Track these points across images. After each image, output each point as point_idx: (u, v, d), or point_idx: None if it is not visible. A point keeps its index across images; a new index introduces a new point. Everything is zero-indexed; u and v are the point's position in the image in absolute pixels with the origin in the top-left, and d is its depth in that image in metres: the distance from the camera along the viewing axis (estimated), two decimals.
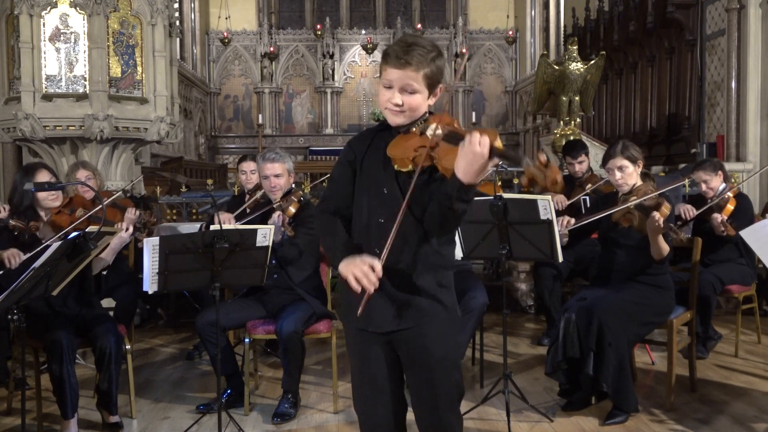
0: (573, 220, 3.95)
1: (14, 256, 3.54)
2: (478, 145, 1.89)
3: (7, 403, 4.01)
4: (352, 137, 2.29)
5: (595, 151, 7.47)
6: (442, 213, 2.03)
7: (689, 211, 4.85)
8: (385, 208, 2.12)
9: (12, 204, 3.80)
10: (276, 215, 3.85)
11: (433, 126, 2.06)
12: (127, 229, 3.97)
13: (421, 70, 2.08)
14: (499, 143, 1.91)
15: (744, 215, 4.79)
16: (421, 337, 2.17)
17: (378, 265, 1.99)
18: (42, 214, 3.82)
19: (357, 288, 1.99)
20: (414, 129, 2.12)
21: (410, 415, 2.30)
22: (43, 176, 3.76)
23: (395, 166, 2.10)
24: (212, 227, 3.43)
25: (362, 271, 1.98)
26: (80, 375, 3.98)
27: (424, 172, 2.06)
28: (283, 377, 3.91)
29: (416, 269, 2.14)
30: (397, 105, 2.10)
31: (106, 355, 3.57)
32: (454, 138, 2.00)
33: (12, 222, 3.69)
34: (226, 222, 4.12)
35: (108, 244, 3.82)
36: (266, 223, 3.80)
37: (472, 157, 1.90)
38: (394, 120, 2.13)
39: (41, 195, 3.75)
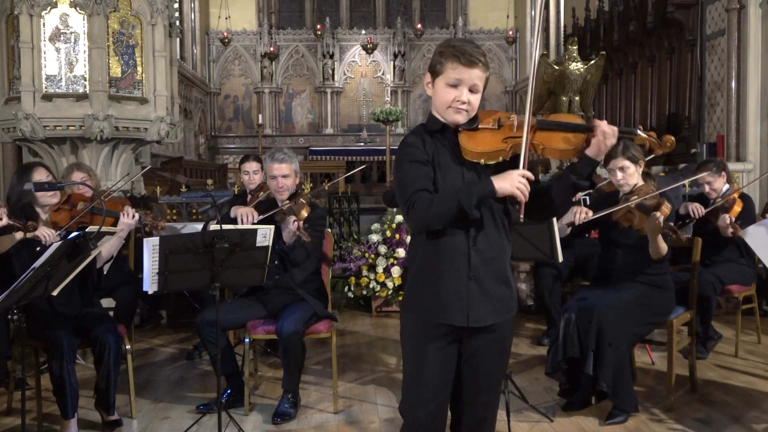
0: (591, 213, 3.86)
1: (48, 235, 3.57)
2: (613, 136, 2.07)
3: (7, 403, 4.01)
4: (410, 138, 2.21)
5: None
6: (572, 194, 2.18)
7: (698, 209, 4.80)
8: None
9: (9, 203, 3.78)
10: (291, 221, 3.81)
11: (515, 118, 2.15)
12: (133, 216, 3.93)
13: (487, 70, 2.16)
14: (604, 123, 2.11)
15: (749, 214, 4.78)
16: (504, 328, 2.27)
17: (530, 174, 2.08)
18: (40, 212, 3.82)
19: (521, 197, 2.06)
20: (483, 125, 2.17)
21: None
22: (40, 174, 3.76)
23: (481, 161, 2.13)
24: (221, 226, 3.38)
25: (523, 183, 2.06)
26: (80, 375, 3.98)
27: (514, 162, 2.12)
28: (283, 377, 3.91)
29: (503, 260, 2.23)
30: (463, 103, 2.13)
31: (105, 355, 3.57)
32: (555, 126, 2.14)
33: (10, 221, 3.69)
34: (249, 215, 4.12)
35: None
36: (271, 224, 3.79)
37: (609, 142, 2.07)
38: (456, 119, 2.16)
39: (40, 193, 3.74)
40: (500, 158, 2.13)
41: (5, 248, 3.60)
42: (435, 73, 2.17)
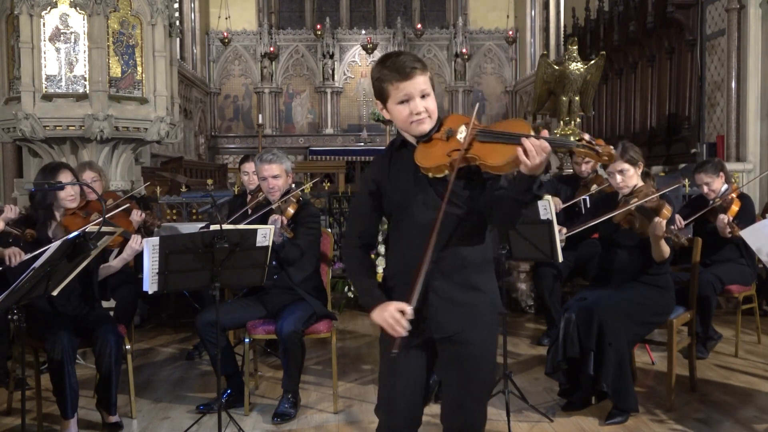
0: (564, 230, 3.94)
1: (15, 255, 3.55)
2: (540, 152, 1.92)
3: (7, 403, 4.01)
4: (370, 168, 2.30)
5: None
6: (518, 208, 2.08)
7: (678, 221, 4.80)
8: (431, 217, 2.12)
9: (32, 201, 3.82)
10: (274, 217, 3.84)
11: (462, 129, 2.08)
12: (140, 243, 3.93)
13: (426, 72, 2.14)
14: (544, 134, 1.97)
15: (748, 214, 4.78)
16: (475, 336, 2.21)
17: (408, 309, 2.05)
18: (57, 214, 3.83)
19: (393, 333, 2.06)
20: (436, 135, 2.13)
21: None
22: (66, 177, 3.77)
23: (429, 174, 2.11)
24: (221, 226, 3.40)
25: (394, 318, 2.05)
26: (80, 375, 3.98)
27: (461, 174, 2.08)
28: (283, 377, 3.91)
29: (471, 268, 2.19)
30: (420, 113, 2.11)
31: (105, 355, 3.57)
32: (493, 137, 2.03)
33: (8, 228, 3.70)
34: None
35: (111, 248, 3.83)
36: (267, 224, 3.79)
37: (539, 158, 1.93)
38: (422, 128, 2.13)
39: (61, 194, 3.76)
40: (446, 172, 2.08)
41: None
42: (383, 99, 2.16)
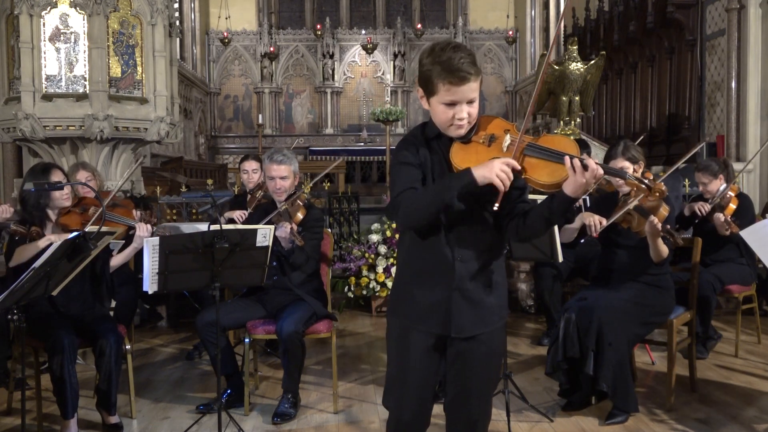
0: (605, 221, 3.82)
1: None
2: (593, 177, 1.91)
3: (7, 403, 4.01)
4: (405, 140, 2.20)
5: (596, 151, 7.46)
6: (545, 227, 2.08)
7: (703, 207, 4.84)
8: (456, 216, 2.10)
9: (25, 204, 3.75)
10: (285, 226, 3.82)
11: (507, 138, 2.06)
12: (147, 230, 3.92)
13: (479, 76, 2.10)
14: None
15: (746, 214, 4.78)
16: (491, 337, 2.23)
17: (517, 165, 1.98)
18: (51, 214, 3.81)
19: (501, 186, 1.95)
20: (475, 138, 2.11)
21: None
22: (56, 176, 3.74)
23: None
24: (222, 226, 3.40)
25: (504, 171, 1.96)
26: (80, 375, 3.98)
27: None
28: (283, 377, 3.91)
29: (492, 272, 2.20)
30: (462, 119, 2.08)
31: (106, 355, 3.57)
32: (543, 153, 2.01)
33: (13, 227, 3.68)
34: (242, 215, 4.10)
35: (109, 245, 3.81)
36: (269, 224, 3.79)
37: (585, 182, 1.93)
38: (459, 133, 2.11)
39: (56, 194, 3.73)
40: None
41: (29, 256, 3.56)
42: (428, 91, 2.10)
